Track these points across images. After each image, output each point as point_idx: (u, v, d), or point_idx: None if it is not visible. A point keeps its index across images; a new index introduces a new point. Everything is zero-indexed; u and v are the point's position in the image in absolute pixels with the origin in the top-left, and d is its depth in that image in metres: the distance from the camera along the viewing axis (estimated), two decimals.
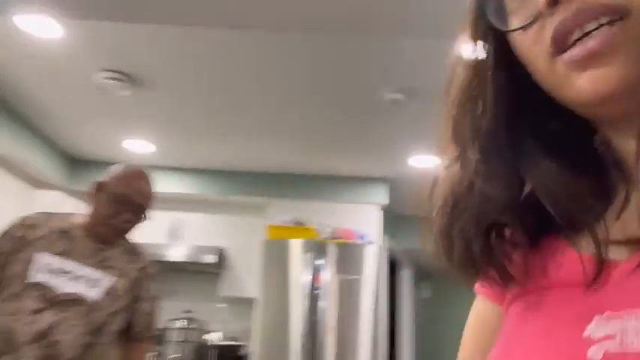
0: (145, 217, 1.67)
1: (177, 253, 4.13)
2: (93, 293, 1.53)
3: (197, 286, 4.54)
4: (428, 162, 3.92)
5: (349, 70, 2.81)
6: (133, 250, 1.70)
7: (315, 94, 3.09)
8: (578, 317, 0.34)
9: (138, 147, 4.04)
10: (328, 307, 3.51)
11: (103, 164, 4.32)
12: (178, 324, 3.98)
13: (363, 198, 4.31)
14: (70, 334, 1.46)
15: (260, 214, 4.37)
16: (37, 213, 1.66)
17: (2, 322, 1.43)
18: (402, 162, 4.02)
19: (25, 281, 1.47)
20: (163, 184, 4.36)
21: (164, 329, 3.97)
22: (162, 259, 3.96)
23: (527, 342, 0.37)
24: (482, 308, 0.50)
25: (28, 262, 1.49)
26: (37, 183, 4.14)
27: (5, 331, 1.42)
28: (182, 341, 3.94)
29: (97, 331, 1.52)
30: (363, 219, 4.16)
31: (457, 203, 0.43)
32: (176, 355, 3.89)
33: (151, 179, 1.73)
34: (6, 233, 1.55)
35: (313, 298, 3.53)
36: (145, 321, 1.68)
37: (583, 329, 0.33)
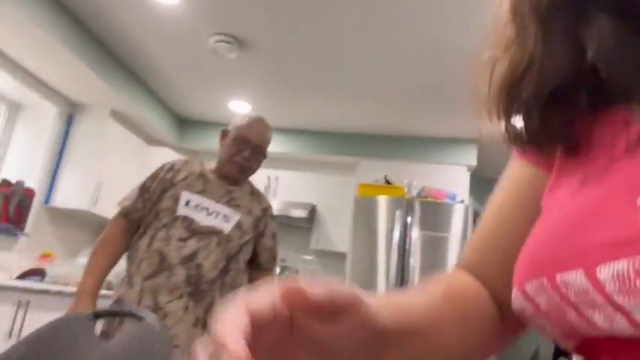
0: (262, 157, 1.92)
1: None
2: (226, 227, 1.79)
3: (290, 238, 4.87)
4: (518, 122, 3.86)
5: (440, 29, 2.85)
6: (256, 193, 1.96)
7: (410, 53, 3.16)
8: (633, 187, 0.32)
9: (238, 108, 4.35)
10: (415, 262, 3.64)
11: (208, 125, 4.76)
12: (277, 271, 4.32)
13: (451, 159, 4.34)
14: (209, 259, 1.73)
15: (350, 173, 4.56)
16: (178, 160, 1.96)
17: (157, 247, 1.72)
18: (492, 123, 3.99)
19: (174, 215, 1.76)
20: None
21: None
22: None
23: (582, 208, 0.35)
24: (526, 175, 0.49)
25: (176, 199, 1.78)
26: (151, 140, 4.62)
27: (160, 254, 1.71)
28: None
29: (230, 258, 1.78)
30: (451, 180, 4.21)
31: (516, 81, 0.42)
32: None
33: (269, 126, 1.96)
34: (156, 176, 1.87)
35: (400, 254, 3.67)
36: (267, 254, 1.93)
37: (637, 198, 0.31)
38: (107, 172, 3.90)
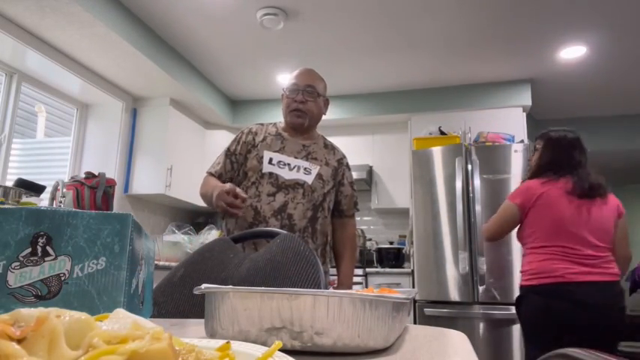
0: (318, 96, 1.97)
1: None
2: (308, 178, 1.92)
3: None
4: (578, 52, 3.79)
5: None
6: (330, 145, 2.07)
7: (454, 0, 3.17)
8: None
9: (285, 80, 4.46)
10: (480, 208, 3.69)
11: (258, 102, 4.92)
12: None
13: (505, 101, 4.32)
14: (298, 210, 1.86)
15: (403, 130, 4.63)
16: (255, 124, 2.09)
17: (250, 202, 1.87)
18: (548, 59, 3.95)
19: (260, 172, 1.90)
20: None
21: None
22: None
23: None
24: None
25: (259, 158, 1.92)
26: (208, 124, 4.84)
27: (253, 209, 1.86)
28: None
29: (316, 207, 1.91)
30: (507, 123, 4.20)
31: None
32: None
33: (314, 71, 2.04)
34: (239, 140, 2.01)
35: (465, 201, 3.72)
36: (348, 201, 2.05)
37: None
38: (174, 157, 4.15)
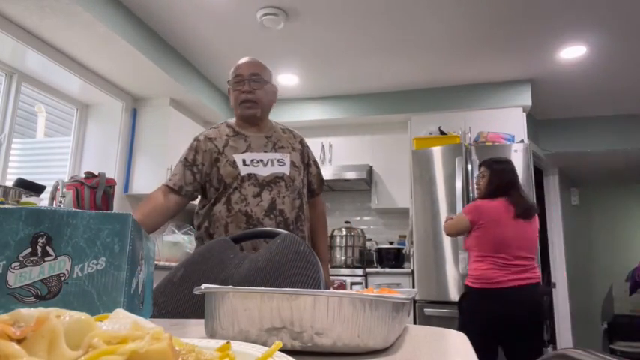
0: (265, 83, 1.92)
1: (327, 173, 4.53)
2: (285, 169, 1.88)
3: (351, 201, 5.01)
4: (578, 52, 3.79)
5: None
6: (287, 130, 2.04)
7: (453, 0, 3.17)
8: None
9: (286, 81, 4.48)
10: None
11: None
12: (343, 232, 4.49)
13: (505, 101, 4.32)
14: (286, 203, 1.84)
15: (403, 131, 4.63)
16: (205, 131, 1.97)
17: (237, 209, 1.80)
18: (548, 59, 3.94)
19: (239, 176, 1.83)
20: (308, 113, 4.81)
21: (330, 237, 4.52)
22: None
23: None
24: None
25: (232, 163, 1.84)
26: (207, 123, 4.84)
27: (244, 213, 1.80)
28: (347, 246, 4.45)
29: (299, 194, 1.90)
30: (507, 123, 4.20)
31: None
32: (344, 257, 4.43)
33: (257, 60, 1.98)
34: (196, 149, 1.89)
35: (465, 201, 3.72)
36: (317, 180, 2.06)
37: None
38: (174, 157, 4.14)
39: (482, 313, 2.53)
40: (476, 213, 2.62)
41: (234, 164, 1.84)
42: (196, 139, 1.93)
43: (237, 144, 1.89)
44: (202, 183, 1.90)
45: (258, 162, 1.86)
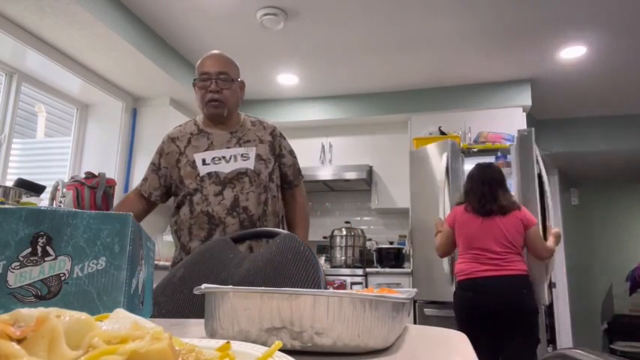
0: (232, 82, 1.86)
1: (327, 173, 4.55)
2: (249, 164, 1.82)
3: (351, 201, 5.01)
4: (578, 52, 3.78)
5: None
6: (257, 122, 1.96)
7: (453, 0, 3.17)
8: None
9: (286, 81, 4.48)
10: None
11: (258, 102, 4.92)
12: (343, 232, 4.49)
13: (505, 102, 4.32)
14: (251, 199, 1.78)
15: (403, 130, 4.63)
16: (173, 129, 1.95)
17: (200, 209, 1.76)
18: (548, 59, 3.94)
19: (199, 177, 1.79)
20: (308, 113, 4.81)
21: (330, 237, 4.52)
22: (315, 179, 4.46)
23: None
24: None
25: (192, 163, 1.81)
26: None
27: (206, 214, 1.75)
28: (347, 246, 4.45)
29: (265, 189, 1.82)
30: (507, 123, 4.20)
31: None
32: (344, 257, 4.43)
33: (222, 54, 1.91)
34: (161, 152, 1.90)
35: (450, 198, 3.70)
36: (292, 171, 1.97)
37: None
38: None
39: (460, 301, 2.74)
40: (451, 217, 2.88)
41: (193, 164, 1.81)
42: (162, 141, 1.92)
43: (199, 142, 1.85)
44: (167, 186, 1.88)
45: (220, 159, 1.81)
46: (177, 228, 1.83)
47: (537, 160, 3.38)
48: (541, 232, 2.87)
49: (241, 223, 1.75)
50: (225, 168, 1.80)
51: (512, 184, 3.53)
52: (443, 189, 3.54)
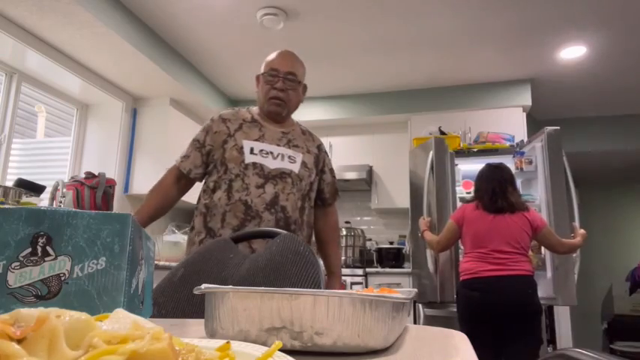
0: (297, 85, 1.85)
1: None
2: (294, 167, 1.78)
3: (351, 200, 5.01)
4: (578, 52, 3.78)
5: None
6: (307, 132, 1.95)
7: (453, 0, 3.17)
8: None
9: None
10: None
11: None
12: (343, 232, 4.49)
13: (504, 102, 4.32)
14: (290, 201, 1.74)
15: (403, 130, 4.63)
16: (224, 111, 1.89)
17: (238, 197, 1.71)
18: (548, 59, 3.94)
19: (243, 164, 1.73)
20: (309, 113, 4.81)
21: None
22: None
23: None
24: None
25: (239, 148, 1.74)
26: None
27: (244, 203, 1.70)
28: (347, 246, 4.45)
29: (304, 197, 1.80)
30: (507, 123, 4.20)
31: None
32: (344, 257, 4.43)
33: (295, 55, 1.90)
34: (208, 130, 1.82)
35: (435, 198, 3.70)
36: (330, 189, 1.95)
37: None
38: (174, 157, 4.13)
39: (465, 300, 2.70)
40: (460, 213, 2.84)
41: (240, 150, 1.75)
42: (211, 119, 1.87)
43: (250, 130, 1.81)
44: (207, 164, 1.82)
45: (267, 153, 1.77)
46: (206, 212, 1.75)
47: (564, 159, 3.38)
48: (568, 232, 2.89)
49: (277, 221, 1.71)
50: (271, 163, 1.76)
51: (537, 183, 3.54)
52: (424, 187, 3.54)
